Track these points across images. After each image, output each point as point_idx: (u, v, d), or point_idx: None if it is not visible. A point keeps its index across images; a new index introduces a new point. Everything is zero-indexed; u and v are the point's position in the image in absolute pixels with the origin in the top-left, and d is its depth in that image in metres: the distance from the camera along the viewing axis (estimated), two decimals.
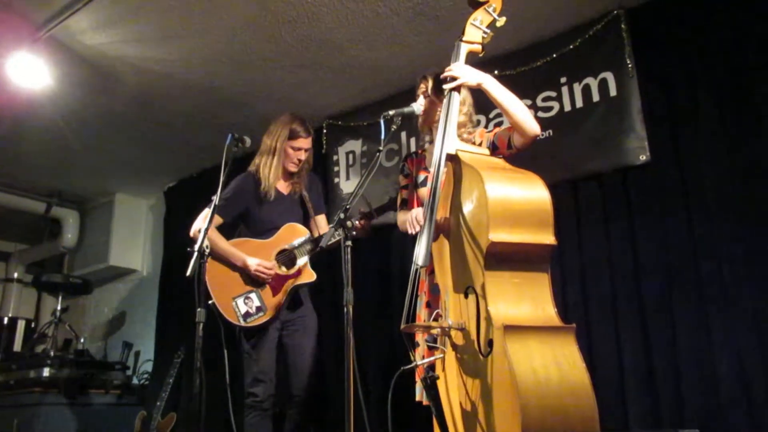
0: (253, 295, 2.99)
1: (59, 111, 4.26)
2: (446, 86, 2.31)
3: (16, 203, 5.74)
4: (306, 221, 3.19)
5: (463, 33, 2.37)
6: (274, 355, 3.01)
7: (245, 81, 4.05)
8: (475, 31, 2.35)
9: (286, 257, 3.05)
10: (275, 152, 3.10)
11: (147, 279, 5.86)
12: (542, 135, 3.37)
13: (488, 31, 2.34)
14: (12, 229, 6.40)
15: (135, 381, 5.10)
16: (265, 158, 3.11)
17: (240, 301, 2.97)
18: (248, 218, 3.15)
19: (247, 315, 2.96)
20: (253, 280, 2.99)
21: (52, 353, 4.67)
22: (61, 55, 3.65)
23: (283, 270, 3.03)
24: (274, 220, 3.10)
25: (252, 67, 3.89)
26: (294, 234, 3.09)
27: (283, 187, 3.21)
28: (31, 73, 3.65)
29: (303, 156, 3.15)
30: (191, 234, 3.02)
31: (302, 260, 3.02)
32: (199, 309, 2.39)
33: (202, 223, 3.00)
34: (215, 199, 2.59)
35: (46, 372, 4.42)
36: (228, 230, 3.15)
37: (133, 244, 5.91)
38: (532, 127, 2.31)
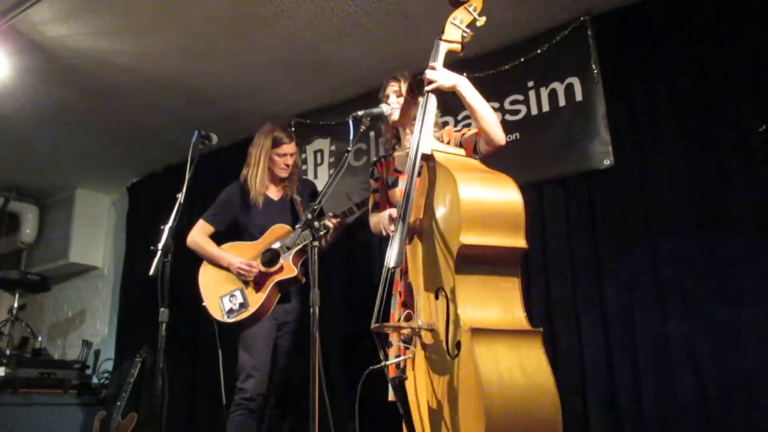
0: (237, 293, 3.13)
1: (18, 102, 4.15)
2: (426, 89, 2.31)
3: None
4: (297, 224, 3.22)
5: (442, 32, 2.35)
6: (269, 353, 3.10)
7: (213, 77, 3.99)
8: (455, 30, 2.34)
9: (270, 256, 3.15)
10: (260, 162, 3.25)
11: (108, 276, 5.75)
12: (509, 138, 3.40)
13: (468, 30, 2.34)
14: None
15: (95, 380, 5.00)
16: (252, 169, 3.27)
17: (225, 300, 3.13)
18: (239, 225, 3.30)
19: (230, 312, 3.10)
20: (239, 279, 3.14)
21: (7, 352, 4.59)
22: (21, 46, 3.55)
23: (265, 268, 3.12)
24: (264, 224, 3.23)
25: (220, 63, 3.84)
26: (279, 234, 3.20)
27: (274, 193, 3.35)
28: None
29: (290, 161, 3.31)
30: (187, 244, 3.21)
31: (284, 258, 3.11)
32: (162, 309, 2.40)
33: (197, 234, 3.25)
34: (180, 197, 2.63)
35: (1, 371, 4.32)
36: (225, 239, 3.32)
37: (94, 241, 5.79)
38: (499, 136, 2.32)
